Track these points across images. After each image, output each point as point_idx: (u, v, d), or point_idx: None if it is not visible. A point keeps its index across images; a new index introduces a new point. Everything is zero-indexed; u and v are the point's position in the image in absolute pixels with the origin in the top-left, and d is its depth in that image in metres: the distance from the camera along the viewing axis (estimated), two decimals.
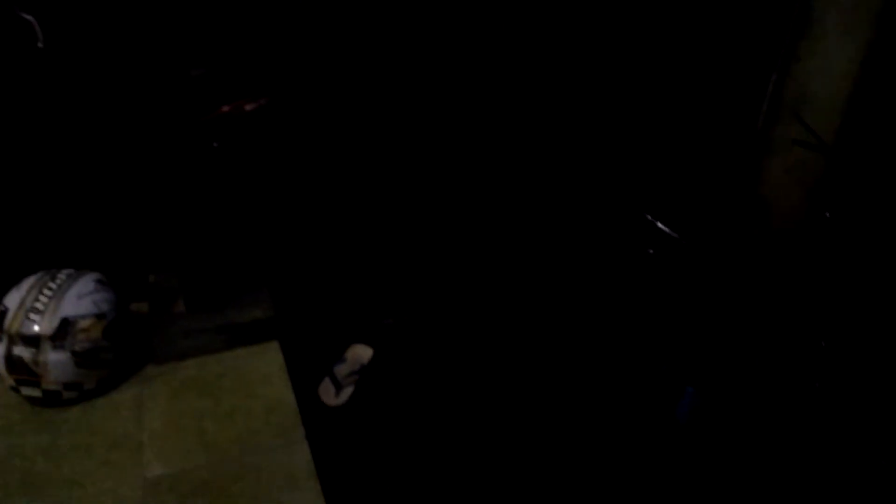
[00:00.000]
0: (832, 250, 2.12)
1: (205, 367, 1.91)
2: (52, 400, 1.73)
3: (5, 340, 1.66)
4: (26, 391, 1.71)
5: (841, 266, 2.11)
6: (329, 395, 1.95)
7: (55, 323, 1.67)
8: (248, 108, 2.14)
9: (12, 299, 1.70)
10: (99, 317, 1.74)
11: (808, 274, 2.17)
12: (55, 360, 1.68)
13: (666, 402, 1.91)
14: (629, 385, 2.03)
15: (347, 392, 1.97)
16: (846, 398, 1.96)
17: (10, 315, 1.67)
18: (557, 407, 1.94)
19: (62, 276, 1.75)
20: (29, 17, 1.84)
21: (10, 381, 1.69)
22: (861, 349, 2.02)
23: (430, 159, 2.41)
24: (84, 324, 1.71)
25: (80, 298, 1.72)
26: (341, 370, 2.02)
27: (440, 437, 1.83)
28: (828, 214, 2.14)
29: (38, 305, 1.68)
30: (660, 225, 2.39)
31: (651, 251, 2.37)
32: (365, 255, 2.39)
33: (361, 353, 2.08)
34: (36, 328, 1.66)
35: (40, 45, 1.87)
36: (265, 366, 1.92)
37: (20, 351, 1.66)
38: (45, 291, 1.70)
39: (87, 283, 1.76)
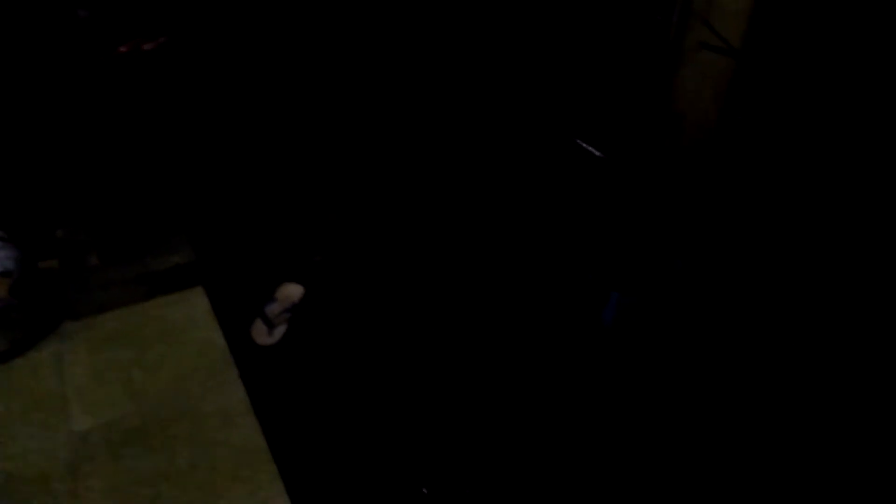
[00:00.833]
0: (745, 153, 2.20)
1: (126, 318, 1.85)
2: None
3: None
4: None
5: (753, 168, 2.19)
6: (262, 334, 1.93)
7: None
8: (146, 47, 2.01)
9: None
10: (3, 275, 1.65)
11: (722, 178, 2.25)
12: None
13: (593, 307, 1.98)
14: (560, 293, 2.09)
15: (280, 331, 1.95)
16: (761, 294, 2.07)
17: None
18: (491, 322, 1.98)
19: None
20: None
21: None
22: (774, 246, 2.13)
23: (344, 88, 2.35)
24: None
25: None
26: (273, 309, 1.99)
27: (376, 367, 1.84)
28: (740, 118, 2.21)
29: None
30: (582, 143, 2.41)
31: (575, 168, 2.40)
32: (287, 193, 2.33)
33: (292, 291, 2.06)
34: None
35: None
36: (191, 311, 1.88)
37: None
38: None
39: None
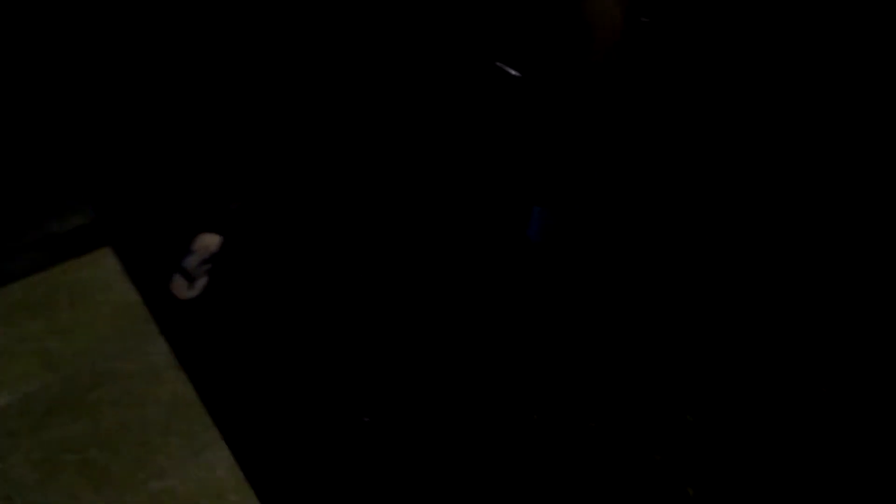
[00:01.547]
0: (651, 55, 2.20)
1: (31, 287, 1.74)
2: None
3: None
4: None
5: (662, 70, 2.21)
6: (182, 289, 1.86)
7: None
8: None
9: None
10: None
11: (634, 82, 2.26)
12: None
13: (517, 224, 1.99)
14: (483, 211, 2.08)
15: (201, 283, 1.88)
16: (683, 191, 2.13)
17: None
18: (417, 251, 1.97)
19: None
20: None
21: None
22: (691, 141, 2.19)
23: (249, 16, 2.21)
24: None
25: None
26: (191, 262, 1.91)
27: (305, 305, 1.81)
28: (644, 20, 2.21)
29: None
30: (499, 64, 2.37)
31: (492, 88, 2.37)
32: (195, 136, 2.21)
33: (209, 241, 1.97)
34: None
35: None
36: (101, 273, 1.79)
37: None
38: None
39: None
